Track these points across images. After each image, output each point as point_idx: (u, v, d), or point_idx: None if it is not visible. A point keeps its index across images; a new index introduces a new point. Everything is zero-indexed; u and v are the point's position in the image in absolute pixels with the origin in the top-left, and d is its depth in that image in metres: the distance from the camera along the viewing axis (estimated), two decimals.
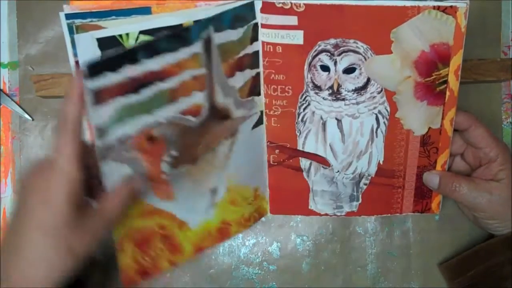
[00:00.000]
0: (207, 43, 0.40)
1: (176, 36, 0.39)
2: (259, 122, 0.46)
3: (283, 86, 0.44)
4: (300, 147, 0.47)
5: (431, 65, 0.42)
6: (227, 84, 0.43)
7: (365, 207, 0.49)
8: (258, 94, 0.45)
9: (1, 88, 0.53)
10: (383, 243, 0.52)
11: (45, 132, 0.52)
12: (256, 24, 0.42)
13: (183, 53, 0.40)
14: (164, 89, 0.40)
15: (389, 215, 0.50)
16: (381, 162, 0.47)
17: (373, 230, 0.52)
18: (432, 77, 0.43)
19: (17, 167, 0.53)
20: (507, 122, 0.52)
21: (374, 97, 0.44)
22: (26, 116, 0.52)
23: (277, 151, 0.47)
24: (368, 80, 0.43)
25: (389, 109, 0.44)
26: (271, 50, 0.42)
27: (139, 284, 0.47)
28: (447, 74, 0.43)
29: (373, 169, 0.47)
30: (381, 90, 0.44)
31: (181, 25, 0.41)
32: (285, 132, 0.46)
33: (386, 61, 0.42)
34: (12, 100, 0.52)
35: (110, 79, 0.37)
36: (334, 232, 0.52)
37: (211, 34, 0.40)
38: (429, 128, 0.45)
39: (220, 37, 0.41)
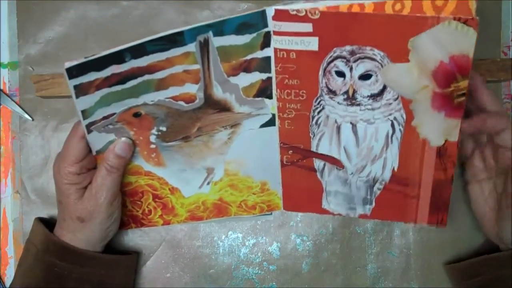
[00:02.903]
0: (204, 44, 0.40)
1: (166, 39, 0.39)
2: (270, 123, 0.46)
3: (297, 91, 0.44)
4: (314, 149, 0.47)
5: (450, 76, 0.41)
6: (227, 81, 0.43)
7: (379, 211, 0.49)
8: (269, 97, 0.45)
9: (1, 88, 0.53)
10: (383, 243, 0.52)
11: (45, 132, 0.52)
12: (269, 32, 0.41)
13: (173, 52, 0.40)
14: (151, 79, 0.41)
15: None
16: (395, 169, 0.46)
17: (373, 230, 0.52)
18: (451, 89, 0.41)
19: (17, 167, 0.53)
20: None
21: (390, 104, 0.43)
22: (26, 116, 0.52)
23: (290, 151, 0.47)
24: (385, 87, 0.43)
25: (405, 117, 0.44)
26: (285, 56, 0.42)
27: (132, 228, 0.51)
28: (466, 87, 0.41)
29: (387, 175, 0.47)
30: (397, 97, 0.43)
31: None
32: (298, 134, 0.46)
33: (403, 69, 0.41)
34: (12, 100, 0.52)
35: (95, 76, 0.39)
36: (334, 232, 0.52)
37: (209, 37, 0.40)
38: (446, 140, 0.44)
39: (220, 41, 0.41)
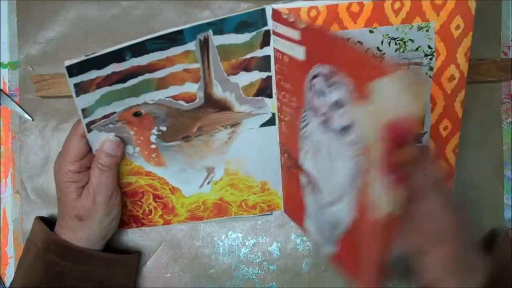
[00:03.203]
0: (204, 43, 0.41)
1: (166, 38, 0.39)
2: (270, 122, 0.46)
3: (290, 96, 0.43)
4: (300, 162, 0.45)
5: (398, 138, 0.33)
6: (227, 80, 0.43)
7: (340, 257, 0.43)
8: (269, 96, 0.45)
9: (1, 88, 0.53)
10: None
11: (45, 132, 0.52)
12: (268, 31, 0.41)
13: (173, 51, 0.40)
14: (151, 78, 0.41)
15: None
16: (354, 218, 0.39)
17: None
18: (399, 154, 0.34)
19: (17, 167, 0.53)
20: (507, 122, 0.52)
21: (356, 143, 0.37)
22: (26, 116, 0.52)
23: (286, 155, 0.47)
24: (352, 123, 0.37)
25: (364, 166, 0.36)
26: (281, 57, 0.42)
27: (132, 227, 0.51)
28: (413, 155, 0.34)
29: (349, 222, 0.40)
30: (360, 140, 0.36)
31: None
32: (291, 140, 0.45)
33: (363, 111, 0.35)
34: (12, 100, 0.52)
35: (95, 74, 0.39)
36: None
37: (209, 36, 0.40)
38: (390, 212, 0.35)
39: (219, 39, 0.41)
